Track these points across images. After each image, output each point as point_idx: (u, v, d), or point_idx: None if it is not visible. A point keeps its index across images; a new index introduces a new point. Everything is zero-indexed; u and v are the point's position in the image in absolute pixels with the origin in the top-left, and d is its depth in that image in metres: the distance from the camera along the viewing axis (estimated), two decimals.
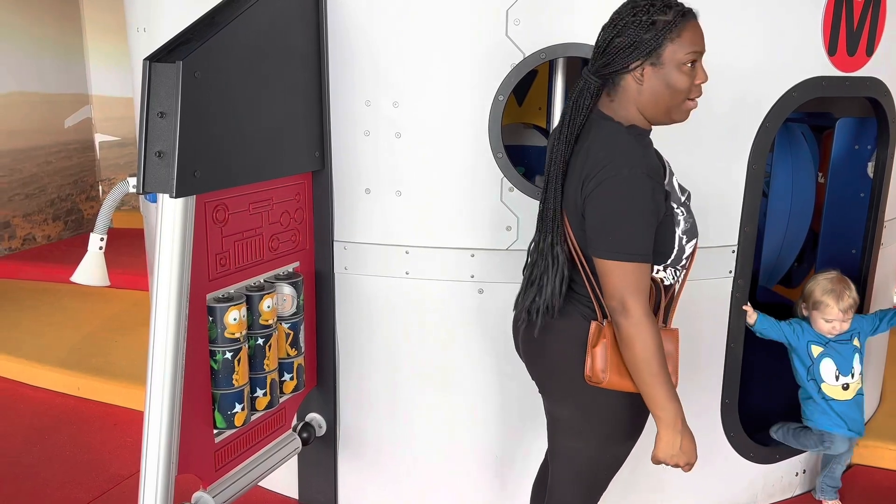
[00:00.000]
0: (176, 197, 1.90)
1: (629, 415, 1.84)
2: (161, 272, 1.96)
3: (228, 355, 2.18)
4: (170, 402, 1.97)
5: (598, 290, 1.76)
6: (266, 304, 2.30)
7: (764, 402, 3.23)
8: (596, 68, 1.74)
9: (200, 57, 1.91)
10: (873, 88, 2.72)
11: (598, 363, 1.74)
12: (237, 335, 2.19)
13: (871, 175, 3.17)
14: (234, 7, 2.10)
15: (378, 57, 2.39)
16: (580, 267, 1.80)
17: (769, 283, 4.81)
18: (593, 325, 1.78)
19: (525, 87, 4.40)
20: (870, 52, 2.66)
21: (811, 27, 2.49)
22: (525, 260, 2.02)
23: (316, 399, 2.72)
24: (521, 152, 4.73)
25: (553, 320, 1.85)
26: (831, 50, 2.54)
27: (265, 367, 2.34)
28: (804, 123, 4.59)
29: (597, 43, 1.75)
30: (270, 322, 2.33)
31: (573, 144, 1.76)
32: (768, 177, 4.83)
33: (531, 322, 1.90)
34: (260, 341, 2.32)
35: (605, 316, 1.77)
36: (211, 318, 2.15)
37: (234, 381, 2.21)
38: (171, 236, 1.95)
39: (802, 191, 4.63)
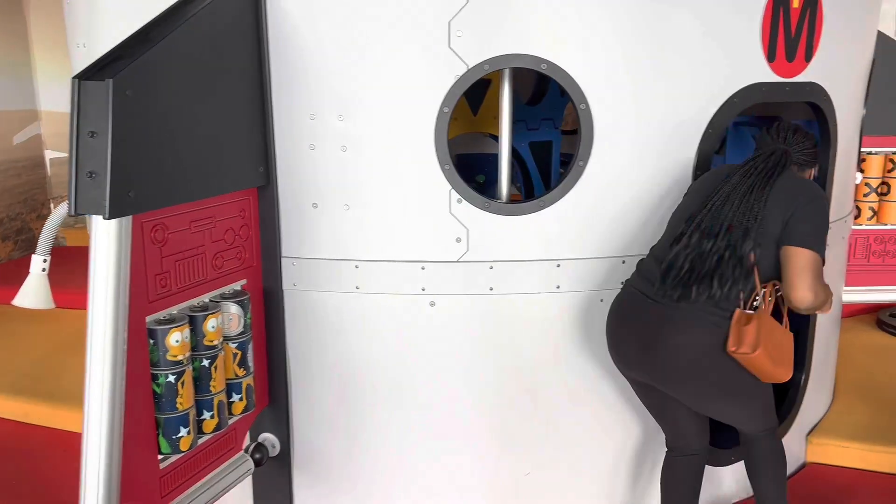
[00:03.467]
0: (109, 218, 1.85)
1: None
2: (96, 295, 1.90)
3: (171, 378, 2.13)
4: (108, 429, 1.91)
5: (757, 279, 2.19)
6: (210, 324, 2.25)
7: None
8: (799, 158, 2.37)
9: (132, 74, 1.87)
10: (813, 93, 2.77)
11: (749, 337, 2.12)
12: (180, 357, 2.14)
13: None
14: (168, 22, 2.06)
15: (321, 70, 2.37)
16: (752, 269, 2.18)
17: None
18: (737, 312, 2.16)
19: (479, 96, 4.41)
20: (808, 57, 2.71)
21: (750, 35, 2.53)
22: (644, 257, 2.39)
23: (269, 418, 2.67)
24: (479, 161, 4.74)
25: (700, 313, 2.19)
26: (770, 56, 2.59)
27: (211, 388, 2.29)
28: (755, 127, 4.68)
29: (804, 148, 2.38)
30: (216, 342, 2.27)
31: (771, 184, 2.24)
32: None
33: (677, 311, 2.21)
34: (205, 363, 2.26)
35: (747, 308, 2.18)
36: (152, 341, 2.09)
37: (178, 405, 2.15)
38: (106, 258, 1.90)
39: None
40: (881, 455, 3.17)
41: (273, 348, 2.61)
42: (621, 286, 2.45)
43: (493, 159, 5.13)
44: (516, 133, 4.65)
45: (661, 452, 2.71)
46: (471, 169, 4.68)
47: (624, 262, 2.53)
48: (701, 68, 2.49)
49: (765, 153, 2.32)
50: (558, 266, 2.49)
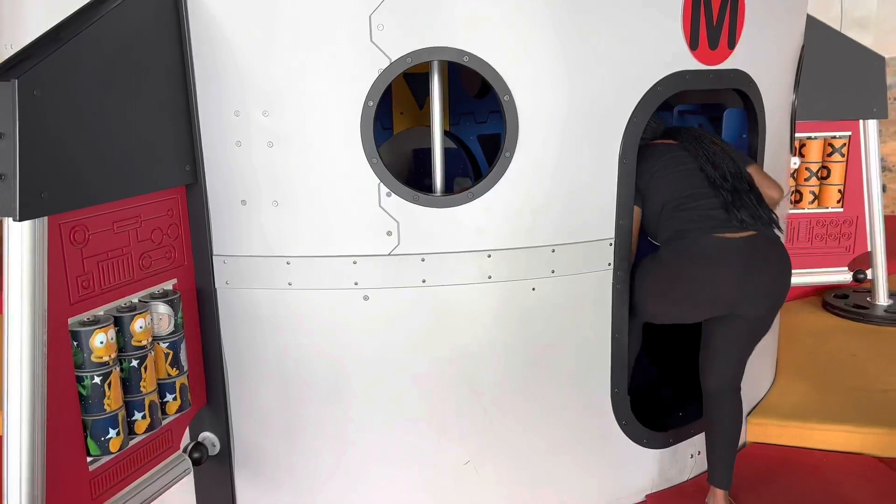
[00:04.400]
0: (20, 220, 1.84)
1: None
2: (12, 299, 1.88)
3: (97, 380, 2.11)
4: (29, 432, 1.90)
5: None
6: (138, 324, 2.24)
7: (660, 385, 3.32)
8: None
9: (39, 74, 1.85)
10: (738, 80, 2.83)
11: None
12: (105, 358, 2.12)
13: None
14: (80, 21, 2.04)
15: (244, 65, 2.36)
16: None
17: None
18: None
19: (425, 89, 4.41)
20: (731, 45, 2.76)
21: (672, 23, 2.58)
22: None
23: (208, 417, 2.66)
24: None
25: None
26: (693, 44, 2.63)
27: (142, 389, 2.28)
28: (700, 115, 4.75)
29: None
30: (144, 343, 2.27)
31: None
32: None
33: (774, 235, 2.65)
34: (134, 363, 2.25)
35: None
36: (76, 343, 2.08)
37: (105, 406, 2.14)
38: (20, 261, 1.89)
39: None
40: (818, 432, 3.25)
41: (209, 347, 2.61)
42: (676, 243, 2.64)
43: (449, 154, 5.19)
44: (464, 126, 4.68)
45: (599, 434, 2.76)
46: (428, 163, 4.70)
47: (553, 250, 2.56)
48: (624, 57, 2.52)
49: (689, 132, 2.88)
50: (489, 256, 2.52)
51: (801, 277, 4.68)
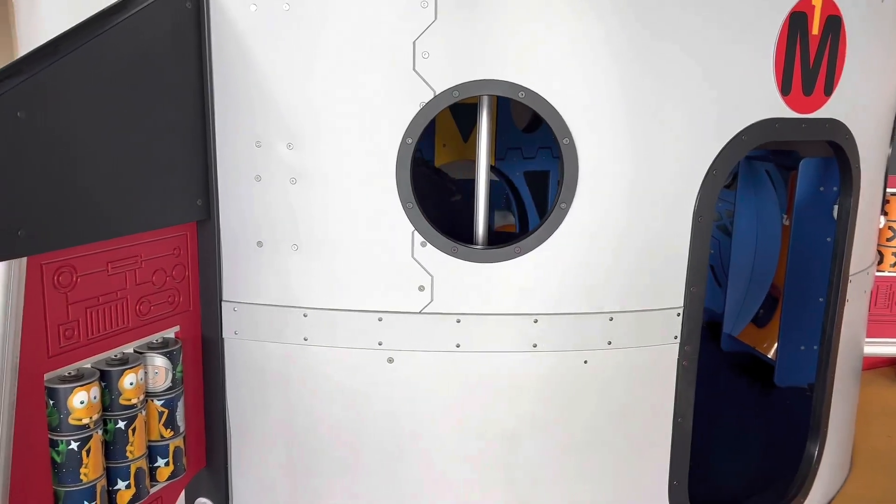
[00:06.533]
0: None
1: None
2: None
3: (74, 445, 1.83)
4: None
5: None
6: (128, 380, 1.95)
7: (718, 479, 2.92)
8: None
9: (24, 93, 1.59)
10: (833, 131, 2.45)
11: None
12: (86, 421, 1.84)
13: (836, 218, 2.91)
14: (85, 33, 1.78)
15: (270, 92, 2.08)
16: None
17: (734, 331, 4.52)
18: None
19: (471, 121, 4.13)
20: (828, 91, 2.40)
21: (761, 65, 2.22)
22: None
23: (206, 482, 2.36)
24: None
25: None
26: (784, 89, 2.27)
27: (128, 454, 1.99)
28: (769, 161, 4.36)
29: None
30: (134, 401, 1.98)
31: None
32: (732, 216, 4.59)
33: None
34: (121, 424, 1.96)
35: None
36: (52, 402, 1.79)
37: (81, 476, 1.85)
38: None
39: (767, 232, 4.38)
40: None
41: (211, 403, 2.31)
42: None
43: (496, 186, 4.88)
44: (511, 162, 4.37)
45: None
46: (472, 195, 4.39)
47: (611, 318, 2.21)
48: (704, 101, 2.18)
49: None
50: (535, 322, 2.17)
51: (878, 347, 4.22)
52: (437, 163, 4.15)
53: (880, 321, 4.19)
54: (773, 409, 3.74)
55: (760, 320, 4.44)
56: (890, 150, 2.99)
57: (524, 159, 4.33)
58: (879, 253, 4.16)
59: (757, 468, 3.01)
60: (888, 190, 4.08)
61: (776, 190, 4.32)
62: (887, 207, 4.10)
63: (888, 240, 4.11)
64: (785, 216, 4.20)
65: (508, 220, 4.75)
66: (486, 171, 2.33)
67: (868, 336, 4.24)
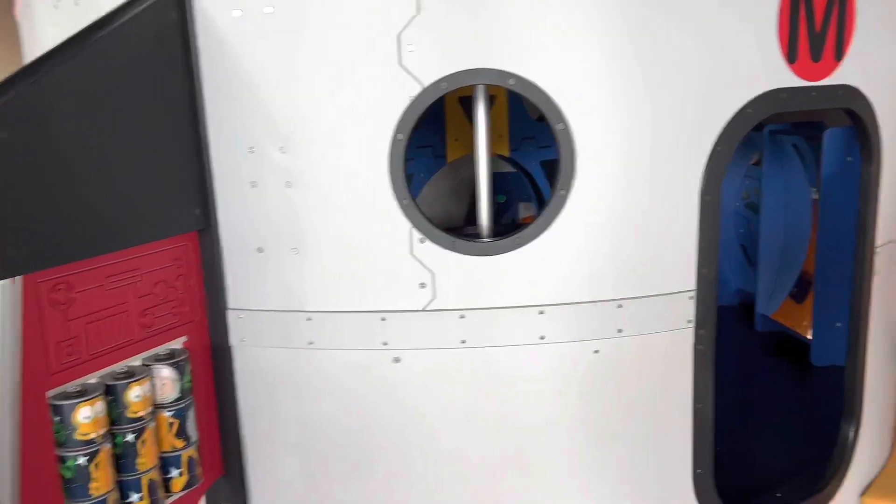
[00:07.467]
0: None
1: None
2: None
3: (82, 460, 1.84)
4: None
5: None
6: (134, 393, 1.96)
7: (746, 468, 2.82)
8: None
9: (6, 112, 1.60)
10: (847, 98, 2.34)
11: None
12: (92, 435, 1.85)
13: None
14: (68, 49, 1.79)
15: (260, 97, 2.07)
16: None
17: (768, 311, 4.39)
18: None
19: None
20: (839, 56, 2.29)
21: (764, 31, 2.13)
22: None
23: (225, 490, 2.37)
24: (497, 180, 4.39)
25: None
26: (790, 57, 2.18)
27: (139, 466, 2.00)
28: (794, 135, 4.21)
29: None
30: (142, 413, 1.98)
31: None
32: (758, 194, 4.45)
33: None
34: (130, 437, 1.97)
35: None
36: (58, 418, 1.81)
37: (91, 491, 1.86)
38: None
39: (796, 207, 4.23)
40: None
41: (225, 412, 2.31)
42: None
43: (512, 178, 4.81)
44: (526, 151, 4.30)
45: None
46: (497, 189, 4.33)
47: (620, 305, 2.14)
48: (704, 74, 2.10)
49: None
50: (541, 313, 2.12)
51: None
52: (449, 158, 4.10)
53: None
54: (810, 390, 3.62)
55: (797, 297, 4.30)
56: None
57: (539, 148, 4.25)
58: None
59: (793, 452, 2.90)
60: None
61: (805, 164, 4.17)
62: None
63: None
64: (814, 190, 4.06)
65: (532, 212, 4.70)
66: (486, 163, 2.29)
67: None
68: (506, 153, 4.24)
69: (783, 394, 3.63)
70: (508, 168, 4.44)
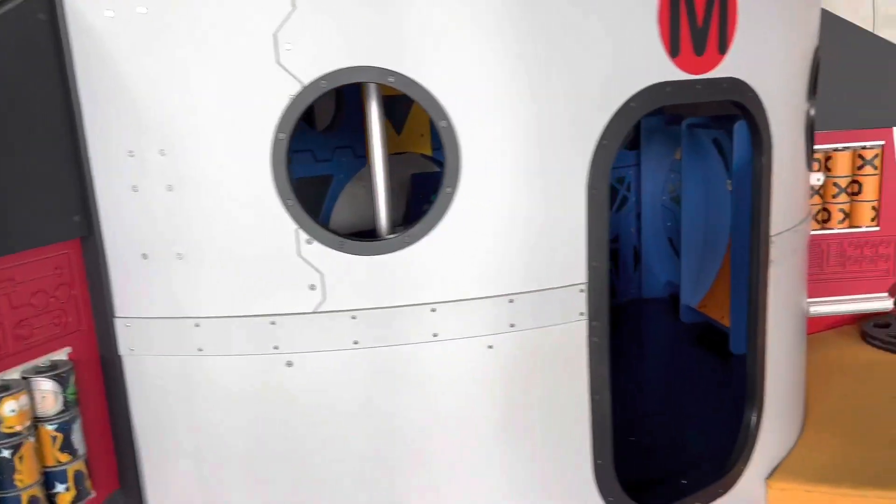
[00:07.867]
0: None
1: None
2: None
3: None
4: None
5: None
6: (8, 407, 1.89)
7: (660, 458, 2.86)
8: None
9: None
10: (733, 91, 2.39)
11: None
12: None
13: None
14: None
15: (137, 98, 2.02)
16: None
17: (692, 302, 4.47)
18: None
19: (403, 113, 4.06)
20: (723, 49, 2.33)
21: (646, 27, 2.16)
22: None
23: (121, 502, 2.30)
24: (429, 180, 4.37)
25: None
26: (673, 51, 2.21)
27: (17, 482, 1.93)
28: (713, 129, 4.30)
29: None
30: (18, 428, 1.92)
31: None
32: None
33: None
34: (6, 453, 1.91)
35: None
36: None
37: None
38: None
39: (716, 200, 4.32)
40: (853, 499, 2.74)
41: (117, 423, 2.25)
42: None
43: (436, 178, 4.78)
44: None
45: None
46: (427, 188, 4.28)
47: (511, 300, 2.15)
48: (588, 71, 2.12)
49: None
50: (433, 310, 2.12)
51: (834, 306, 4.17)
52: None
53: (834, 279, 4.14)
54: (728, 378, 3.69)
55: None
56: (810, 106, 2.92)
57: None
58: (826, 211, 4.10)
59: (707, 440, 2.95)
60: (832, 146, 4.03)
61: (725, 157, 4.26)
62: (830, 164, 4.04)
63: (833, 196, 4.05)
64: (729, 182, 4.14)
65: None
66: (383, 161, 2.26)
67: (823, 295, 4.20)
68: (428, 152, 4.23)
69: (704, 383, 3.69)
70: (430, 168, 4.43)
